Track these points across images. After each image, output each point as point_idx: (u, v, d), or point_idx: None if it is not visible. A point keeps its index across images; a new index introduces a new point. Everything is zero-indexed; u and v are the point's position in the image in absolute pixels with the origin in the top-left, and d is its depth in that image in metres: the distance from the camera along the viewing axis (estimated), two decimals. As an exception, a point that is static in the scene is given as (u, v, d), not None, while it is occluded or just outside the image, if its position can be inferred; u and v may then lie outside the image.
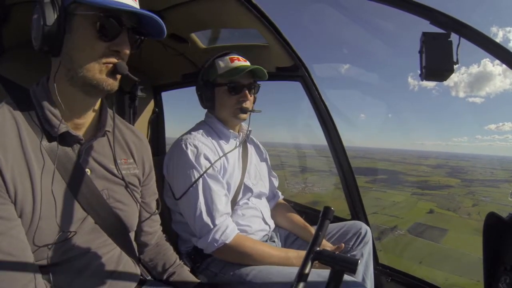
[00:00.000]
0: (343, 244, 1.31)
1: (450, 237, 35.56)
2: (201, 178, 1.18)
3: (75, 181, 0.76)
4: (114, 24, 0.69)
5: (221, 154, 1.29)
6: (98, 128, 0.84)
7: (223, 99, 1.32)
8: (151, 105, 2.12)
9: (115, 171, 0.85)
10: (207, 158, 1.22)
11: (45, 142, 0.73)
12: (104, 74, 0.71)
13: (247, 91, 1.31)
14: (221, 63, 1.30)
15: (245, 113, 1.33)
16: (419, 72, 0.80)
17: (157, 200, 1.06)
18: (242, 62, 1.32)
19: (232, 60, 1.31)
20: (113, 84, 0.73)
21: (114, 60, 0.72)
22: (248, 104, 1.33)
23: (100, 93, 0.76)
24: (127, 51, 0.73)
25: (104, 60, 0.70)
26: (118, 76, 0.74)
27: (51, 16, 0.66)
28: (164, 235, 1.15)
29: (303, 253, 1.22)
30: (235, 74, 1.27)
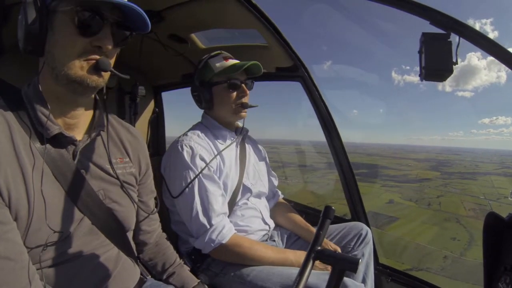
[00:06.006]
0: (338, 248, 1.35)
1: (396, 224, 35.91)
2: (197, 179, 1.18)
3: (71, 183, 0.75)
4: (94, 19, 0.67)
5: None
6: (92, 128, 0.82)
7: (223, 97, 1.32)
8: (151, 105, 2.12)
9: (111, 171, 0.84)
10: (202, 159, 1.23)
11: (38, 144, 0.71)
12: (86, 70, 0.68)
13: (245, 87, 1.34)
14: (216, 63, 1.32)
15: (245, 108, 1.35)
16: (418, 72, 0.80)
17: (156, 199, 1.05)
18: (235, 60, 1.34)
19: (226, 59, 1.33)
20: (97, 80, 0.70)
21: (96, 56, 0.69)
22: (246, 100, 1.36)
23: (86, 91, 0.72)
24: (109, 47, 0.70)
25: (85, 57, 0.68)
26: (104, 73, 0.72)
27: (32, 15, 0.65)
28: (164, 235, 1.14)
29: (300, 253, 1.24)
30: (234, 71, 1.29)
